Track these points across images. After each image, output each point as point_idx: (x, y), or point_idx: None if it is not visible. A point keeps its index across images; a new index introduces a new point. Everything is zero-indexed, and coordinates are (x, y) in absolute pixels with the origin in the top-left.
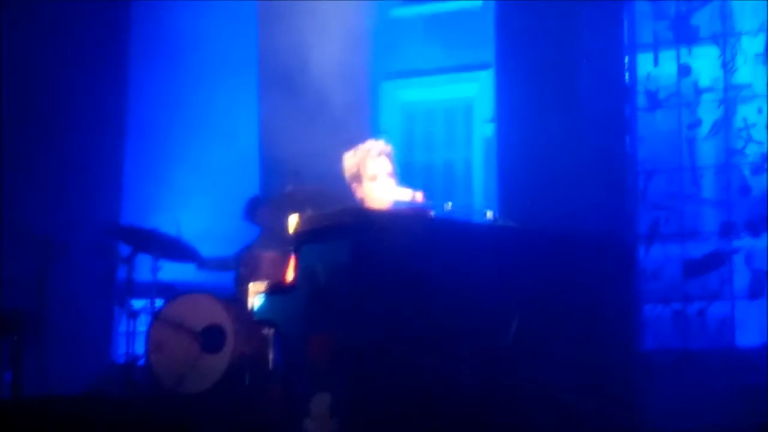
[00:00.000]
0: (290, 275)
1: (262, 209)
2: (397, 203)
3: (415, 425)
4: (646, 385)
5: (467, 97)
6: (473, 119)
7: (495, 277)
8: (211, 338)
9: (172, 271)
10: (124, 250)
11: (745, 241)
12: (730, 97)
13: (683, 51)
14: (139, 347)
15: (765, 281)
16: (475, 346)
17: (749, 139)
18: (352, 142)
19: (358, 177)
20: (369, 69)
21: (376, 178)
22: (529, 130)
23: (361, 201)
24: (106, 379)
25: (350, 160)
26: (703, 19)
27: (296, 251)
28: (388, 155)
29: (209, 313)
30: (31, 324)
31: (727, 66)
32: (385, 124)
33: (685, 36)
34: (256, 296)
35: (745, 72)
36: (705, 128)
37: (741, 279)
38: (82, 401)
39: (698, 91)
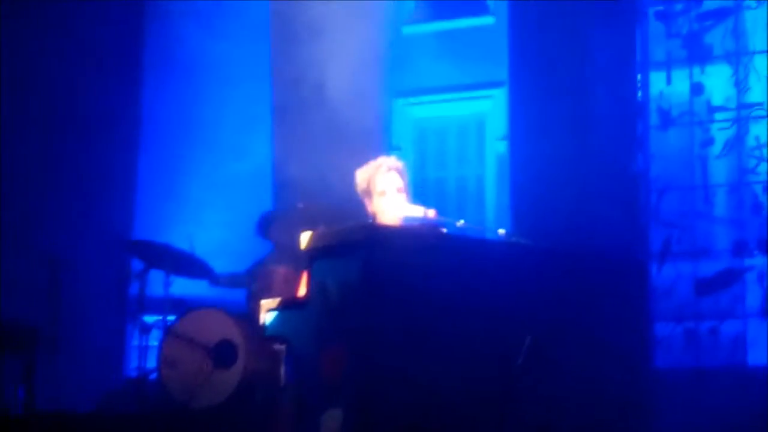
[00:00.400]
0: (302, 291)
1: (275, 225)
2: (408, 219)
3: None
4: (658, 404)
5: (480, 114)
6: (486, 136)
7: (507, 295)
8: (223, 354)
9: (184, 287)
10: (137, 265)
11: (757, 260)
12: (743, 115)
13: (696, 69)
14: (151, 362)
15: None
16: (486, 364)
17: (761, 158)
18: (365, 158)
19: (368, 192)
20: (382, 86)
21: (386, 194)
22: (542, 147)
23: (373, 216)
24: (118, 395)
25: (361, 175)
26: (716, 37)
27: (308, 267)
28: (398, 171)
29: (221, 328)
30: (44, 339)
31: (740, 85)
32: (398, 140)
33: (698, 54)
34: (268, 312)
35: (758, 91)
36: (717, 147)
37: (753, 297)
38: (94, 417)
39: (711, 110)
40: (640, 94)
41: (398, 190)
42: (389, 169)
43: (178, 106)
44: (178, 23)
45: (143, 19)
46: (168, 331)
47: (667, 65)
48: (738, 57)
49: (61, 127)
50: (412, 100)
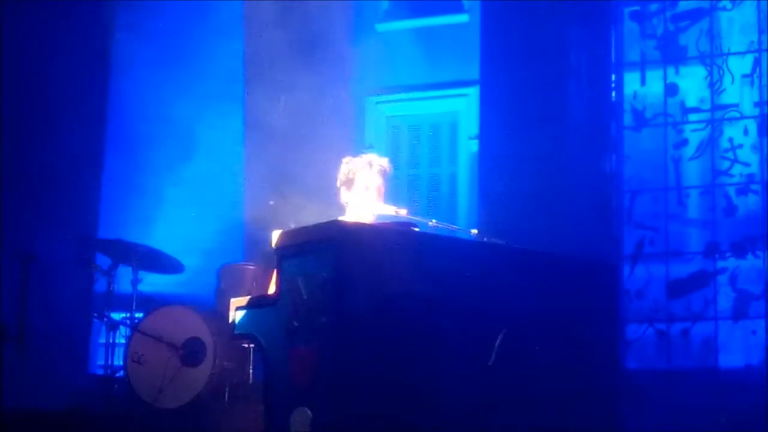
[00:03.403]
0: (272, 289)
1: None
2: (381, 218)
3: None
4: (630, 404)
5: (453, 112)
6: (459, 135)
7: (479, 294)
8: (191, 351)
9: (153, 284)
10: (104, 262)
11: (729, 262)
12: (717, 117)
13: (670, 70)
14: (119, 359)
15: (749, 302)
16: (458, 363)
17: (735, 160)
18: (338, 156)
19: (350, 183)
20: (354, 83)
21: (368, 190)
22: (514, 147)
23: (344, 206)
24: (85, 392)
25: (348, 166)
26: (691, 39)
27: (278, 265)
28: (384, 174)
29: (190, 326)
30: (11, 336)
31: (714, 86)
32: (371, 138)
33: (672, 55)
34: (237, 310)
35: (732, 92)
36: (691, 148)
37: (725, 300)
38: (60, 415)
39: (685, 111)
40: (614, 94)
41: (378, 190)
42: (379, 169)
43: (146, 102)
44: (147, 17)
45: (113, 13)
46: (136, 328)
47: (642, 66)
48: (712, 58)
49: (28, 122)
50: (385, 97)
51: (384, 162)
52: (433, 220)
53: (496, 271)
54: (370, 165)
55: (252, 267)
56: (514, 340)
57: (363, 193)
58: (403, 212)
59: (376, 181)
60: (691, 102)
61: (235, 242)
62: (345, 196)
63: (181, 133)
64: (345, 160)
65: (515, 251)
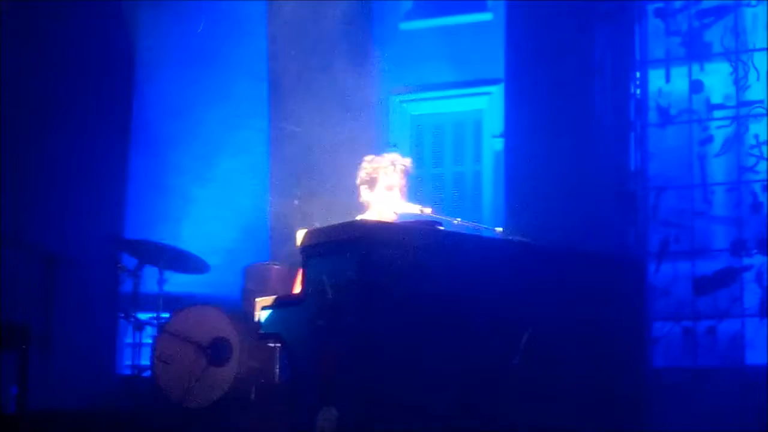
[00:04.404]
0: (297, 289)
1: None
2: (405, 216)
3: None
4: (656, 403)
5: (477, 111)
6: (483, 133)
7: (504, 293)
8: (217, 351)
9: (179, 284)
10: (130, 262)
11: (755, 259)
12: (742, 113)
13: (695, 67)
14: (145, 359)
15: None
16: (483, 362)
17: (761, 156)
18: (362, 155)
19: (372, 182)
20: (379, 82)
21: (392, 189)
22: (539, 145)
23: (365, 204)
24: (112, 392)
25: (370, 165)
26: (716, 35)
27: (303, 265)
28: (406, 173)
29: (216, 326)
30: (37, 337)
31: (739, 82)
32: (395, 137)
33: (697, 52)
34: (263, 310)
35: (758, 89)
36: (716, 145)
37: (751, 297)
38: (87, 415)
39: (710, 108)
40: (638, 91)
41: (400, 189)
42: (400, 168)
43: (171, 103)
44: (172, 19)
45: (137, 14)
46: (162, 328)
47: (666, 63)
48: (737, 55)
49: (54, 124)
50: (409, 96)
51: (407, 162)
52: (458, 219)
53: (521, 269)
54: (393, 165)
55: (278, 267)
56: (540, 338)
57: (386, 193)
58: (427, 211)
59: (400, 181)
60: (716, 99)
61: (260, 242)
62: (366, 194)
63: (206, 133)
64: (367, 158)
65: (541, 249)
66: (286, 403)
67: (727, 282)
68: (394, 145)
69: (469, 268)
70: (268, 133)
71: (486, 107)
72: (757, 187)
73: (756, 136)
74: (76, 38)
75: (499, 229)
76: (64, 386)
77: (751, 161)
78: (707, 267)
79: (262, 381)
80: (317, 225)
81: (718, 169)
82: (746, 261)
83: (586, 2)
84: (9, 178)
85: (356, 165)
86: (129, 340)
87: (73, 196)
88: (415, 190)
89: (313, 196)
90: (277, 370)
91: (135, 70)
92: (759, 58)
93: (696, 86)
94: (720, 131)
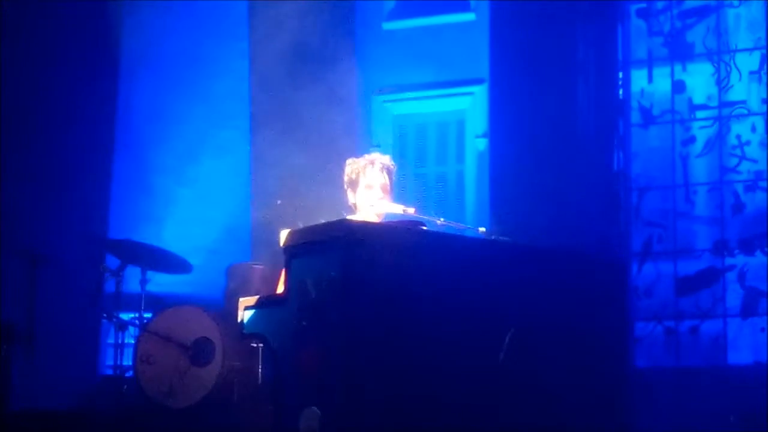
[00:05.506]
0: (280, 288)
1: None
2: (388, 216)
3: None
4: (639, 402)
5: (460, 111)
6: (466, 133)
7: (487, 292)
8: (200, 351)
9: (162, 284)
10: (113, 262)
11: (738, 259)
12: (724, 114)
13: (677, 67)
14: (128, 360)
15: (758, 299)
16: (466, 362)
17: (743, 157)
18: (344, 154)
19: (354, 183)
20: (361, 82)
21: (372, 188)
22: (522, 145)
23: (352, 208)
24: (94, 392)
25: (351, 166)
26: (698, 36)
27: (286, 265)
28: (388, 170)
29: (199, 326)
30: (20, 337)
31: (722, 83)
32: (378, 138)
33: (679, 52)
34: (245, 310)
35: (740, 89)
36: (699, 145)
37: (733, 297)
38: (69, 415)
39: (692, 108)
40: (621, 92)
41: (383, 188)
42: (381, 167)
43: (154, 103)
44: (155, 19)
45: (120, 14)
46: (145, 328)
47: (649, 63)
48: (720, 55)
49: (37, 124)
50: (391, 96)
51: (386, 159)
52: (441, 219)
53: (504, 269)
54: (372, 163)
55: (260, 266)
56: (522, 338)
57: (367, 192)
58: (411, 211)
59: (380, 179)
60: (698, 99)
61: (243, 242)
62: (351, 197)
63: (188, 133)
64: (348, 161)
65: (523, 249)
66: (269, 403)
67: (709, 282)
68: (377, 146)
69: (452, 267)
70: (250, 133)
71: (469, 107)
72: (740, 188)
73: (738, 137)
74: (59, 37)
75: (482, 229)
76: (46, 386)
77: (734, 161)
78: (690, 267)
79: (245, 381)
80: (300, 225)
81: (701, 170)
82: (728, 261)
83: (569, 3)
84: None
85: (338, 165)
86: (111, 340)
87: (56, 195)
88: (399, 190)
89: (296, 197)
90: (260, 370)
91: (119, 71)
92: (741, 59)
93: (678, 86)
94: (702, 131)
